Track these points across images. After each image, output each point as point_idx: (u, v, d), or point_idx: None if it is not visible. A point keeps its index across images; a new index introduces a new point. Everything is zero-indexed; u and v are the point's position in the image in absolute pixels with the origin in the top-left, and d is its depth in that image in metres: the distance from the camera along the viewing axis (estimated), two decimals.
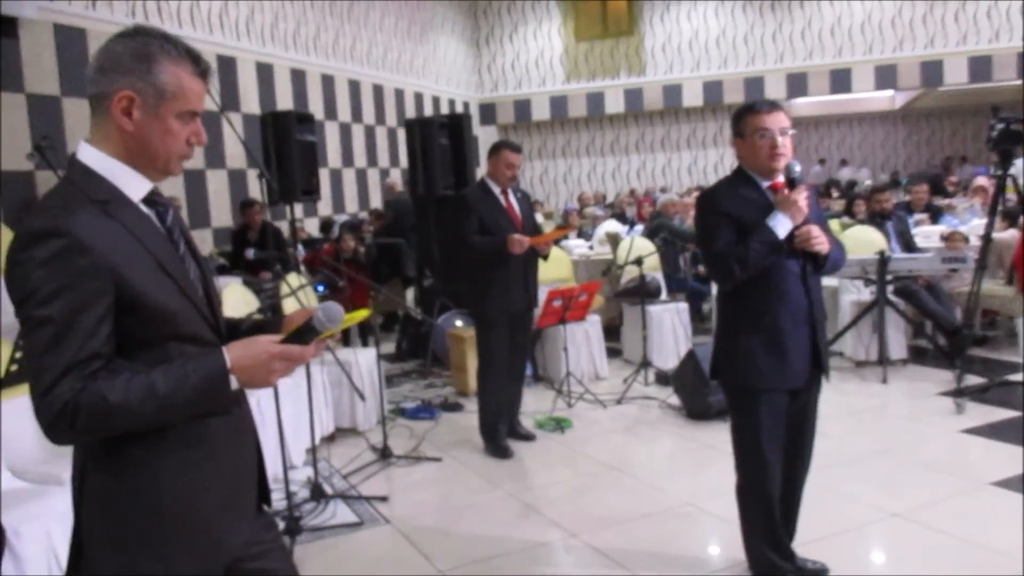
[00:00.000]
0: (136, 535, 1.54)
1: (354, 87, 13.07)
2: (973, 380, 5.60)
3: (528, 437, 5.18)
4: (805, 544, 3.27)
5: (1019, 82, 17.02)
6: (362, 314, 1.69)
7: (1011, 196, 6.45)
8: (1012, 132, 5.39)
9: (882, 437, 4.91)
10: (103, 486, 1.54)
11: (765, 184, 2.96)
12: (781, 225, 2.86)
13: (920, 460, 4.51)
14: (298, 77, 11.49)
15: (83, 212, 1.48)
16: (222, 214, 9.71)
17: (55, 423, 1.42)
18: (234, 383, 1.51)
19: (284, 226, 8.32)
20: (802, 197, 2.87)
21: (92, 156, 1.56)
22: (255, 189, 9.36)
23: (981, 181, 8.88)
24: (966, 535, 3.54)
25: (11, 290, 1.47)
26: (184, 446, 1.57)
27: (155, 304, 1.52)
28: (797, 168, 2.94)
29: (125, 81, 1.53)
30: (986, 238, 5.55)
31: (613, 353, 7.06)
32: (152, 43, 1.55)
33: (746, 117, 2.96)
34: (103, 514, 1.54)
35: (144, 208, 1.60)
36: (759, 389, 2.95)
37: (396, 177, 13.03)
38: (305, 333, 1.57)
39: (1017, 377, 5.85)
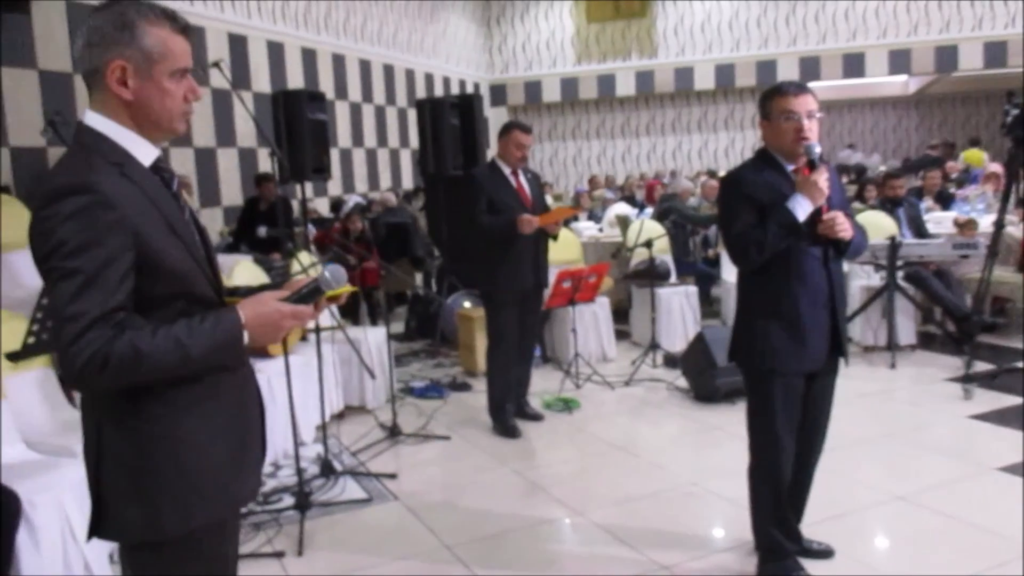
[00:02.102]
0: (158, 487, 1.60)
1: (364, 67, 13.03)
2: (981, 367, 5.60)
3: (536, 417, 5.21)
4: (811, 525, 3.29)
5: None
6: (346, 290, 1.77)
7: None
8: None
9: (889, 421, 4.93)
10: (122, 441, 1.59)
11: (790, 168, 2.95)
12: (801, 207, 2.85)
13: (926, 444, 4.53)
14: (309, 56, 11.46)
15: (105, 172, 1.53)
16: (232, 192, 9.73)
17: (84, 369, 1.45)
18: (246, 339, 1.59)
19: (295, 205, 8.33)
20: (823, 178, 2.86)
21: (100, 122, 1.61)
22: (266, 167, 9.37)
23: (994, 168, 8.83)
24: (970, 519, 3.56)
25: (35, 246, 1.51)
26: (198, 401, 1.63)
27: (169, 263, 1.58)
28: (817, 149, 2.91)
29: (114, 52, 1.57)
30: (998, 224, 5.53)
31: (621, 335, 7.08)
32: (129, 10, 1.59)
33: (773, 99, 2.94)
34: (124, 468, 1.60)
35: (152, 174, 1.66)
36: (776, 372, 2.96)
37: (386, 186, 12.97)
38: (311, 293, 1.65)
39: None
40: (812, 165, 2.90)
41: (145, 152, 1.64)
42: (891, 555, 3.43)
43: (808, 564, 3.09)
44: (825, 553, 3.26)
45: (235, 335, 1.58)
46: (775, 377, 2.96)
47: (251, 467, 1.79)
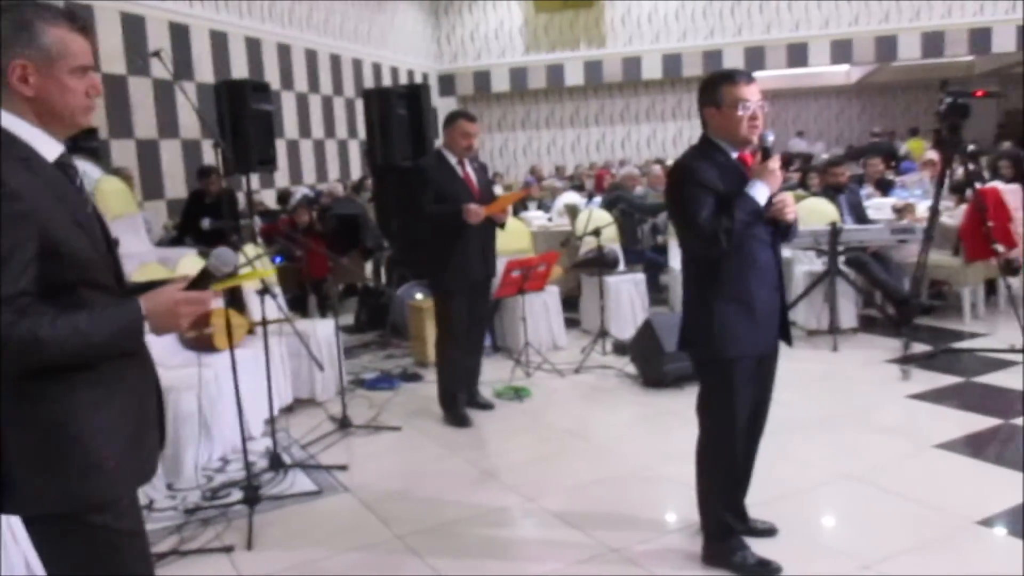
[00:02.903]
0: (60, 463, 1.68)
1: (311, 57, 12.89)
2: (920, 348, 5.77)
3: (487, 406, 5.22)
4: (756, 505, 3.36)
5: (970, 58, 17.36)
6: (253, 274, 1.87)
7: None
8: (960, 106, 5.51)
9: (832, 403, 5.05)
10: (25, 420, 1.66)
11: (734, 155, 2.99)
12: (760, 194, 2.91)
13: (868, 424, 4.65)
14: (253, 46, 11.30)
15: (11, 166, 1.61)
16: (177, 185, 9.56)
17: None
18: (147, 328, 1.69)
19: (241, 197, 8.22)
20: (777, 165, 2.94)
21: (8, 120, 1.68)
22: (210, 159, 9.22)
23: (931, 155, 9.06)
24: (910, 494, 3.67)
25: None
26: (97, 384, 1.72)
27: (72, 252, 1.66)
28: (771, 138, 3.00)
29: (14, 52, 1.66)
30: (934, 210, 5.69)
31: (571, 323, 7.12)
32: (27, 10, 1.68)
33: (724, 87, 2.94)
34: (27, 446, 1.67)
35: (56, 170, 1.73)
36: (735, 357, 3.00)
37: (334, 177, 12.85)
38: (203, 279, 1.76)
39: (961, 345, 6.04)
40: (766, 153, 2.96)
41: (49, 148, 1.72)
42: (833, 531, 3.52)
43: (752, 543, 3.16)
44: (769, 532, 3.33)
45: (135, 323, 1.68)
46: (734, 362, 3.01)
47: (149, 448, 1.88)
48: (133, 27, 9.08)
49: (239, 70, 10.76)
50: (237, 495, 3.97)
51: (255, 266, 4.46)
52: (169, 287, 1.75)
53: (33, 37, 1.66)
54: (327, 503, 3.98)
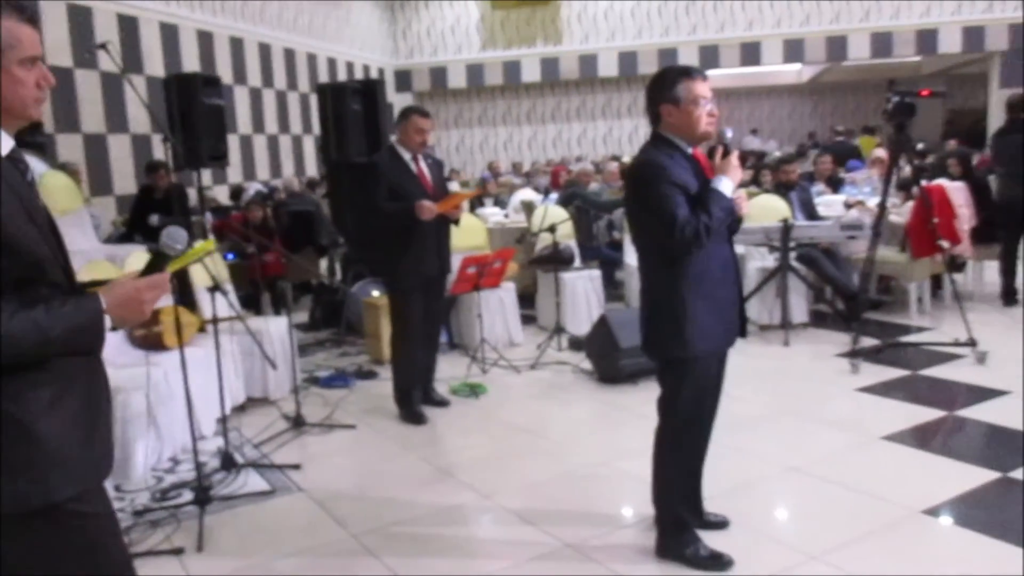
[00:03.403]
0: (19, 462, 1.65)
1: (264, 51, 12.72)
2: (868, 342, 5.88)
3: (443, 403, 5.21)
4: (708, 499, 3.40)
5: (917, 58, 17.75)
6: (206, 246, 1.84)
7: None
8: (906, 105, 5.62)
9: (783, 396, 5.13)
10: None
11: (689, 151, 3.00)
12: (728, 190, 2.93)
13: (818, 417, 4.73)
14: (205, 39, 11.11)
15: None
16: (126, 180, 9.36)
17: None
18: (108, 323, 1.69)
19: (192, 193, 8.08)
20: (737, 159, 2.98)
21: None
22: (160, 154, 9.04)
23: (879, 153, 9.23)
24: (856, 485, 3.74)
25: None
26: (48, 383, 1.69)
27: (27, 250, 1.64)
28: (729, 134, 3.05)
29: None
30: (881, 206, 5.80)
31: (528, 320, 7.14)
32: None
33: (683, 82, 2.92)
34: None
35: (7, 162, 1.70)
36: (703, 355, 3.03)
37: (289, 172, 12.72)
38: (157, 260, 1.76)
39: (908, 339, 6.17)
40: (727, 148, 3.00)
41: (2, 142, 1.69)
42: (783, 523, 3.58)
43: (705, 536, 3.19)
44: (721, 524, 3.37)
45: (95, 318, 1.67)
46: (699, 360, 3.04)
47: (104, 444, 1.86)
48: (79, 19, 8.86)
49: (190, 64, 10.57)
50: (187, 496, 3.91)
51: (208, 266, 4.40)
52: (126, 279, 1.73)
53: None
54: (280, 503, 3.94)
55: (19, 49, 1.66)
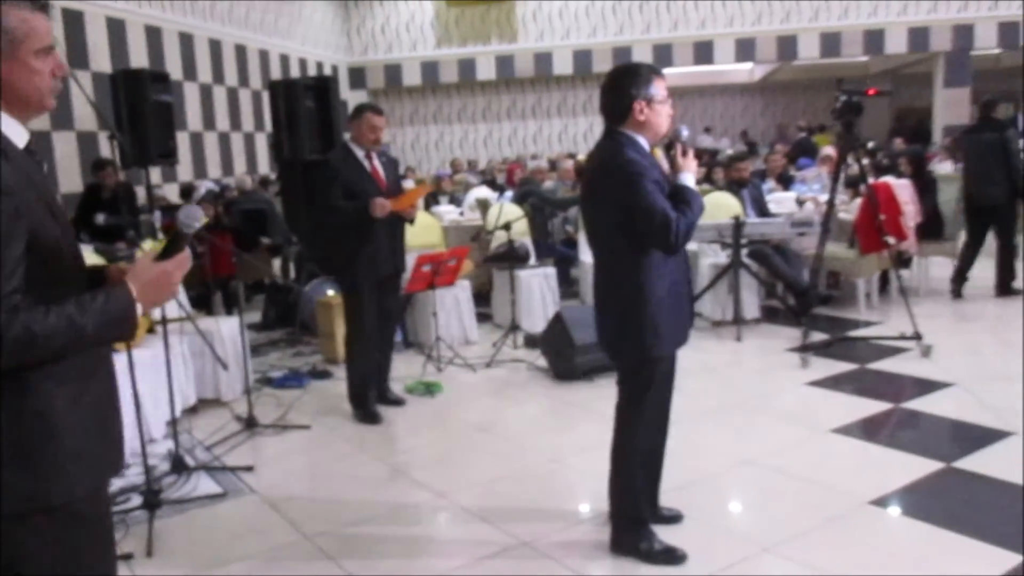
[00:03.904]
0: (40, 457, 1.66)
1: (215, 47, 12.51)
2: (818, 337, 5.99)
3: (398, 402, 5.18)
4: (662, 493, 3.42)
5: (865, 58, 18.10)
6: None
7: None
8: (854, 104, 5.72)
9: (735, 391, 5.19)
10: (3, 414, 1.62)
11: (647, 149, 3.01)
12: (692, 185, 2.98)
13: (769, 411, 4.80)
14: (153, 34, 10.89)
15: None
16: (71, 179, 9.14)
17: None
18: (140, 309, 1.69)
19: (141, 192, 7.92)
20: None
21: None
22: (107, 152, 8.84)
23: (828, 151, 9.40)
24: (806, 477, 3.81)
25: None
26: (71, 378, 1.69)
27: (52, 246, 1.65)
28: (685, 132, 3.06)
29: None
30: (830, 203, 5.90)
31: (483, 318, 7.13)
32: None
33: (656, 80, 2.92)
34: (5, 440, 1.63)
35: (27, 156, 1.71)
36: (668, 353, 3.06)
37: (241, 170, 12.54)
38: (177, 240, 1.74)
39: (857, 333, 6.29)
40: (684, 146, 3.03)
41: (18, 135, 1.68)
42: (736, 516, 3.63)
43: (659, 530, 3.22)
44: (675, 518, 3.41)
45: (127, 309, 1.67)
46: (662, 359, 3.07)
47: (119, 438, 1.87)
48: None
49: (138, 59, 10.36)
50: (136, 500, 3.83)
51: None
52: (146, 263, 1.72)
53: None
54: (232, 506, 3.88)
55: (34, 39, 1.65)
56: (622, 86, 2.95)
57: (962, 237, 7.52)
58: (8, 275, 1.55)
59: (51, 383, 1.66)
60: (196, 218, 1.75)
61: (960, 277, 7.33)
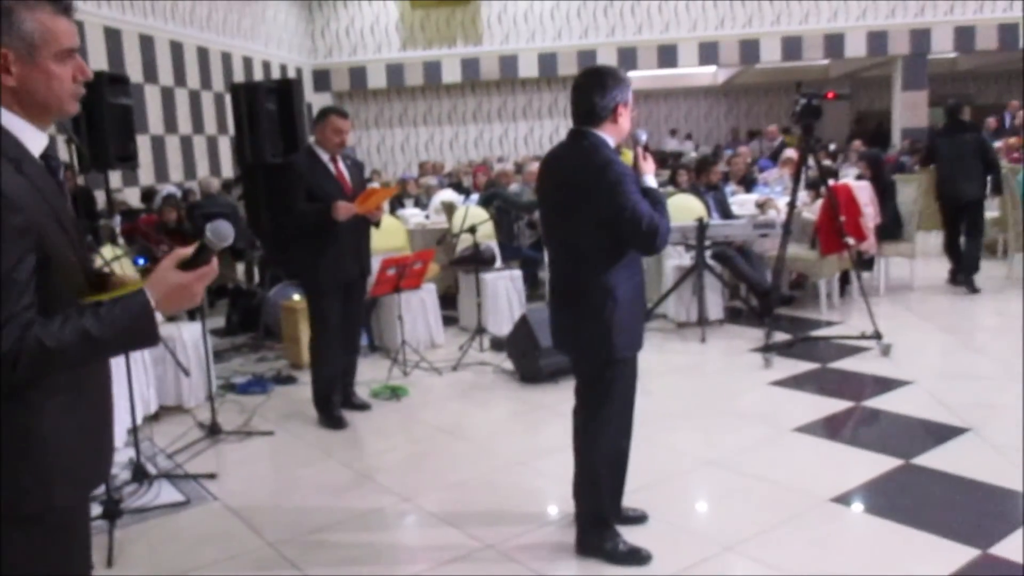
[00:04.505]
0: (23, 465, 1.63)
1: (176, 49, 12.35)
2: (780, 337, 6.05)
3: (363, 407, 5.15)
4: (627, 494, 3.44)
5: (825, 62, 18.38)
6: (134, 285, 1.73)
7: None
8: (813, 107, 5.80)
9: (699, 391, 5.24)
10: None
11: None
12: (655, 186, 3.03)
13: (732, 411, 4.84)
14: (113, 36, 10.73)
15: (6, 171, 1.54)
16: None
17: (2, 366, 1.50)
18: (160, 318, 1.65)
19: (101, 196, 7.80)
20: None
21: None
22: (64, 156, 8.69)
23: (790, 153, 9.52)
24: (769, 476, 3.85)
25: None
26: (64, 390, 1.67)
27: (62, 259, 1.63)
28: (644, 136, 3.11)
29: None
30: (791, 205, 5.97)
31: (449, 321, 7.12)
32: None
33: (625, 88, 2.98)
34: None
35: (41, 164, 1.67)
36: (627, 357, 3.08)
37: (204, 173, 12.40)
38: (203, 254, 1.70)
39: (818, 333, 6.38)
40: (647, 148, 3.10)
41: (36, 142, 1.66)
42: (699, 516, 3.66)
43: (624, 531, 3.24)
44: (640, 519, 3.43)
45: (145, 317, 1.63)
46: (627, 361, 3.10)
47: (108, 450, 1.87)
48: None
49: (97, 62, 10.19)
50: (97, 510, 3.75)
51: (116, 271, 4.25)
52: (168, 269, 1.67)
53: (12, 25, 1.58)
54: (194, 514, 3.84)
55: (53, 43, 1.62)
56: (607, 88, 2.97)
57: (919, 238, 7.69)
58: (20, 292, 1.53)
59: (40, 393, 1.63)
60: (224, 236, 1.70)
61: (963, 271, 7.64)
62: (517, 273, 7.17)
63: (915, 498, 3.58)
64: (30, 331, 1.52)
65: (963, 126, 7.85)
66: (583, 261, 3.05)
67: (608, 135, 3.01)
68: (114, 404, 1.93)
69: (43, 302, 1.59)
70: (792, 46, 16.86)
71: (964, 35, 16.49)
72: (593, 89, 2.99)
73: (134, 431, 4.26)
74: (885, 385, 5.08)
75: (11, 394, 1.60)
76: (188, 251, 1.71)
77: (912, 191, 7.61)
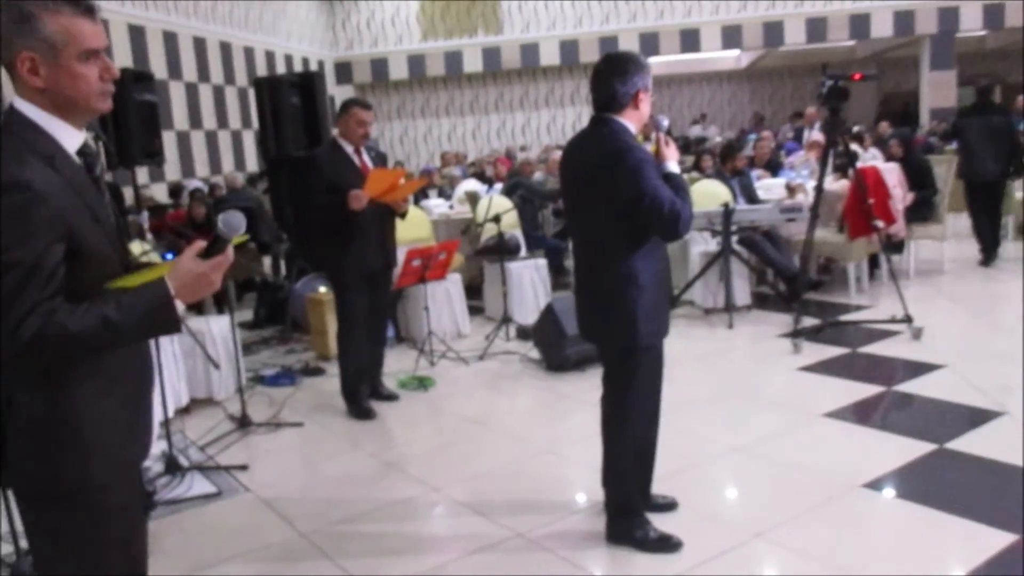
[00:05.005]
0: (59, 445, 1.73)
1: (199, 45, 12.44)
2: (809, 322, 6.00)
3: (391, 397, 5.17)
4: (656, 481, 3.43)
5: (851, 42, 18.12)
6: (161, 270, 1.78)
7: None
8: (840, 89, 5.73)
9: (727, 378, 5.21)
10: (29, 403, 1.71)
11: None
12: (677, 172, 3.01)
13: (761, 397, 4.81)
14: (137, 33, 10.83)
15: (36, 166, 1.64)
16: None
17: (24, 353, 1.60)
18: (180, 306, 1.72)
19: (129, 192, 7.88)
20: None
21: (28, 108, 1.71)
22: None
23: (816, 137, 9.42)
24: (799, 462, 3.82)
25: None
26: (98, 374, 1.75)
27: (93, 251, 1.71)
28: (665, 122, 3.10)
29: (19, 44, 1.66)
30: (818, 189, 5.90)
31: (475, 311, 7.13)
32: (28, 2, 1.66)
33: (643, 73, 2.96)
34: (28, 432, 1.72)
35: (77, 160, 1.75)
36: (653, 343, 3.06)
37: (229, 168, 12.48)
38: (218, 245, 1.78)
39: (847, 318, 6.31)
40: (668, 134, 3.07)
41: (71, 139, 1.74)
42: (730, 502, 3.64)
43: (654, 518, 3.23)
44: (670, 506, 3.42)
45: (164, 305, 1.70)
46: (653, 347, 3.07)
47: (144, 433, 1.93)
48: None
49: (121, 59, 10.29)
50: None
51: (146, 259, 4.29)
52: (188, 260, 1.73)
53: (35, 29, 1.65)
54: (227, 504, 3.88)
55: (75, 44, 1.69)
56: (627, 75, 2.95)
57: (948, 220, 7.59)
58: (47, 279, 1.61)
59: (75, 380, 1.71)
60: (236, 226, 1.77)
61: (990, 248, 7.79)
62: (542, 262, 7.16)
63: (949, 483, 3.53)
64: (57, 316, 1.60)
65: (992, 108, 7.91)
66: (605, 248, 3.04)
67: (629, 121, 3.00)
68: (154, 391, 2.03)
69: (74, 291, 1.66)
70: (817, 27, 16.64)
71: (993, 12, 16.18)
72: (613, 76, 2.97)
73: (166, 424, 4.33)
74: (916, 369, 5.01)
75: (46, 379, 1.70)
76: (205, 244, 1.78)
77: (943, 172, 7.51)
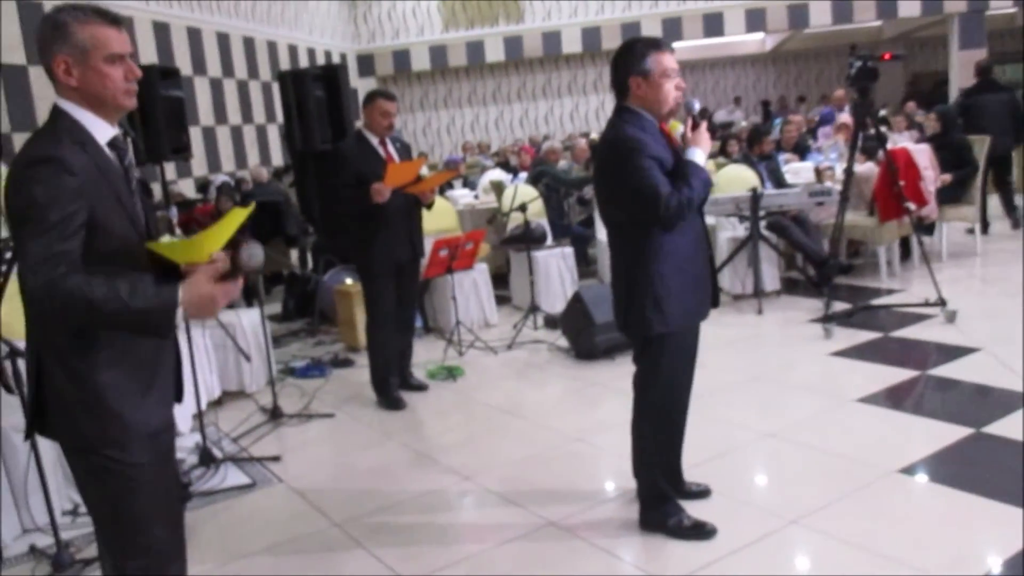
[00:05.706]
0: (83, 406, 1.98)
1: (223, 40, 12.50)
2: (840, 306, 5.93)
3: (420, 387, 5.19)
4: (688, 468, 3.42)
5: (878, 23, 17.84)
6: (189, 252, 1.99)
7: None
8: (869, 69, 5.64)
9: (757, 364, 5.16)
10: (55, 367, 1.98)
11: (656, 124, 2.98)
12: (701, 161, 2.94)
13: (792, 383, 4.77)
14: (161, 30, 10.90)
15: (69, 147, 1.91)
16: None
17: (38, 292, 1.80)
18: (180, 316, 1.89)
19: (157, 188, 7.94)
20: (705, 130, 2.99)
21: (66, 104, 1.99)
22: None
23: (844, 119, 9.29)
24: (832, 448, 3.79)
25: (10, 201, 1.89)
26: (111, 344, 1.97)
27: (112, 227, 1.94)
28: (697, 105, 3.02)
29: (55, 50, 1.96)
30: (848, 172, 5.83)
31: (502, 300, 7.12)
32: (60, 14, 1.97)
33: (653, 55, 2.89)
34: (55, 394, 2.00)
35: (108, 151, 2.00)
36: (680, 329, 3.03)
37: (254, 162, 12.54)
38: (234, 272, 1.95)
39: (879, 302, 6.24)
40: (696, 120, 2.99)
41: (103, 132, 2.00)
42: (763, 489, 3.61)
43: (687, 505, 3.22)
44: (703, 493, 3.40)
45: (169, 309, 1.87)
46: (681, 334, 3.05)
47: (156, 403, 2.11)
48: (31, 15, 8.64)
49: (147, 56, 10.36)
50: None
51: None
52: (204, 278, 1.91)
53: (68, 36, 1.94)
54: (261, 495, 3.92)
55: (102, 49, 1.96)
56: (618, 62, 2.98)
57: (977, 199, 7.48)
58: (67, 236, 1.83)
59: (91, 348, 1.95)
60: (256, 262, 1.94)
61: (1013, 216, 8.49)
62: (568, 250, 7.14)
63: (987, 467, 3.48)
64: (73, 274, 1.80)
65: (994, 86, 8.59)
66: (621, 236, 3.06)
67: (641, 108, 2.95)
68: (171, 368, 2.21)
69: (88, 262, 1.86)
70: (843, 8, 16.39)
71: None
72: (616, 63, 3.00)
73: (199, 416, 4.37)
74: (951, 353, 4.94)
75: (67, 348, 1.95)
76: (222, 268, 1.94)
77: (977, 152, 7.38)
